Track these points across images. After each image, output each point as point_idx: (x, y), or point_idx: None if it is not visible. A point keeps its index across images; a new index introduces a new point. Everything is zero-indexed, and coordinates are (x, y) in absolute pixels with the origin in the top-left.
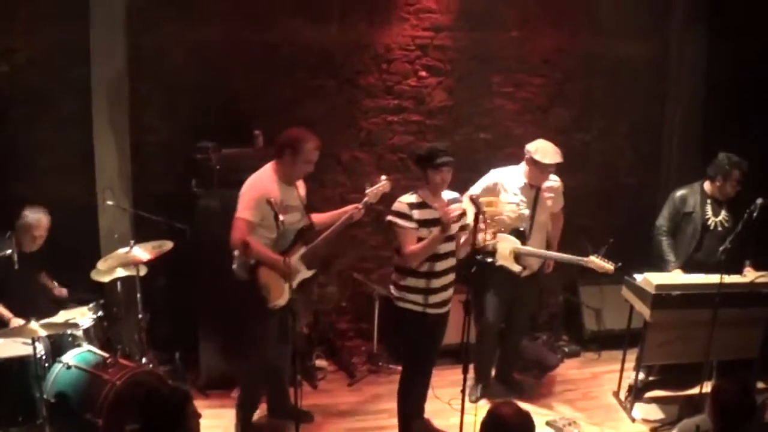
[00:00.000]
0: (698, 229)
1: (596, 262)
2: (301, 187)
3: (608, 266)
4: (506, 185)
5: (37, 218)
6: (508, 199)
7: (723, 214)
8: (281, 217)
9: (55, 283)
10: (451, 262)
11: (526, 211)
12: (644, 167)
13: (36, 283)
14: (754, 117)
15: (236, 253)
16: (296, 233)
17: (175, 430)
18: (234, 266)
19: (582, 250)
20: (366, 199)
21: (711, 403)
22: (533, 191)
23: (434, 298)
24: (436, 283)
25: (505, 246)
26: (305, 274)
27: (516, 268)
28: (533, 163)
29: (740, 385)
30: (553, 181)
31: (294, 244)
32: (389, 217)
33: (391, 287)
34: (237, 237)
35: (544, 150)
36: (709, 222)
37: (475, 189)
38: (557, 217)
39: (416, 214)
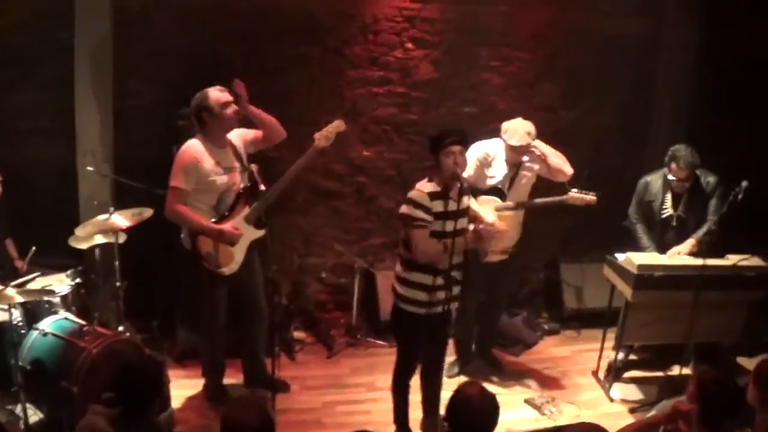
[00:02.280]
0: (657, 221)
1: (576, 196)
2: (241, 146)
3: (589, 197)
4: (492, 157)
5: None
6: (492, 172)
7: (681, 207)
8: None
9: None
10: (455, 259)
11: (507, 183)
12: (630, 148)
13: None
14: (744, 101)
15: None
16: (236, 194)
17: (153, 400)
18: (182, 235)
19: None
20: (315, 143)
21: (696, 391)
22: (514, 168)
23: (437, 296)
24: (440, 280)
25: (487, 206)
26: (254, 234)
27: (501, 225)
28: (505, 142)
29: (725, 375)
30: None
31: (235, 206)
32: (404, 209)
33: (395, 282)
34: (167, 206)
35: (513, 131)
36: (666, 215)
37: (468, 166)
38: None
39: (435, 205)
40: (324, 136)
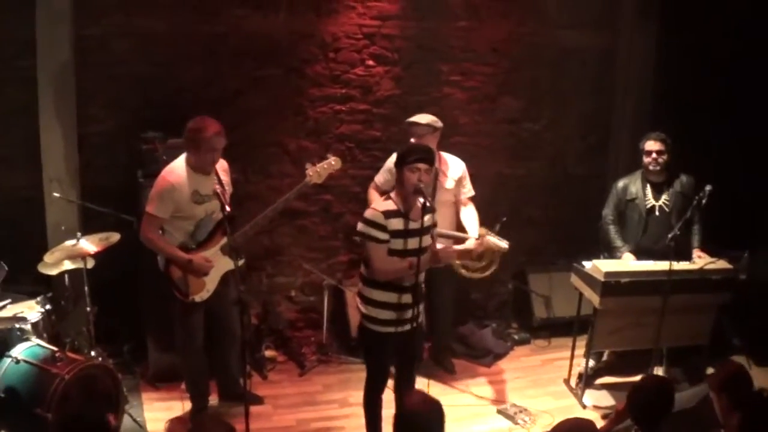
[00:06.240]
0: (643, 214)
1: (490, 241)
2: (224, 174)
3: (502, 244)
4: None
5: None
6: None
7: (663, 198)
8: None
9: None
10: (422, 276)
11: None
12: (593, 157)
13: None
14: (703, 109)
15: None
16: (216, 223)
17: None
18: (159, 259)
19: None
20: (307, 179)
21: (627, 401)
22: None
23: (405, 314)
24: (407, 298)
25: None
26: (229, 264)
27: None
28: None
29: (658, 382)
30: (456, 167)
31: (213, 235)
32: (360, 227)
33: (359, 302)
34: (141, 231)
35: (417, 117)
36: (650, 206)
37: (381, 171)
38: (466, 204)
39: (391, 223)
40: (317, 172)
